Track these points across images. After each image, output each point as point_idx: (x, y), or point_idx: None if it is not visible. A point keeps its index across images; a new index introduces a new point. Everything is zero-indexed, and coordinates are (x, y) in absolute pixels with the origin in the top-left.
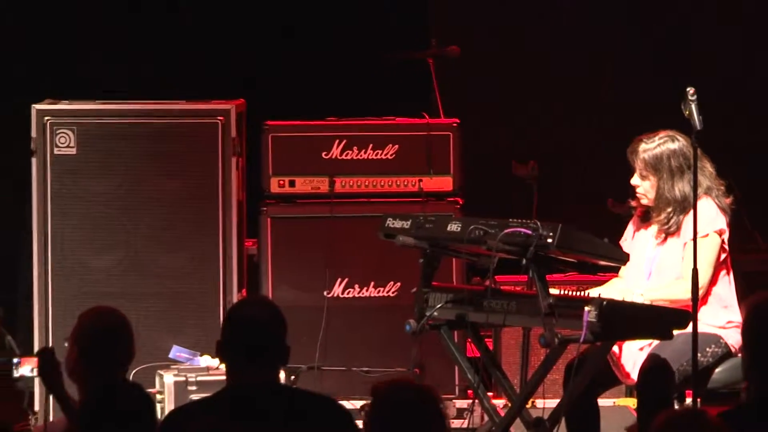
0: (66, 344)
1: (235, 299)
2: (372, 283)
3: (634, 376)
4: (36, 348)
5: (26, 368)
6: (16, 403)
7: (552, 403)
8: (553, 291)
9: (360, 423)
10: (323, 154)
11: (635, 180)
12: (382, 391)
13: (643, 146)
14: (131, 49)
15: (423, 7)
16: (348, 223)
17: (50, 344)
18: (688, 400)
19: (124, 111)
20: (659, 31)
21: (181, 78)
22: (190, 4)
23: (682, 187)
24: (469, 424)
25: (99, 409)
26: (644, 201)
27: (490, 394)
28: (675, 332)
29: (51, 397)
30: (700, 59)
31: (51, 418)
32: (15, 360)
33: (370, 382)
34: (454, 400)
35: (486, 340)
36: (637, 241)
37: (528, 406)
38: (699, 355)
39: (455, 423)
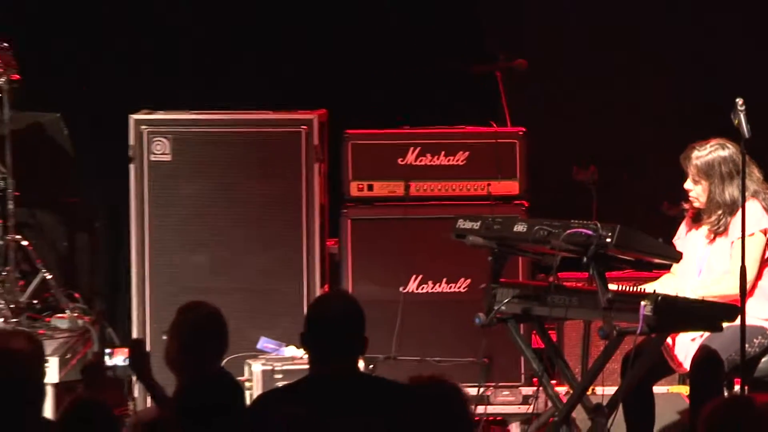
0: (164, 337)
1: (317, 294)
2: (444, 280)
3: (687, 365)
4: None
5: (119, 358)
6: (117, 389)
7: (610, 390)
8: (612, 287)
9: None
10: (399, 160)
11: (688, 184)
12: (417, 382)
13: (695, 153)
14: (222, 61)
15: (478, 20)
16: (422, 224)
17: (147, 336)
18: (736, 388)
19: (215, 120)
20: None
21: (268, 88)
22: (279, 24)
23: (731, 191)
24: (533, 409)
25: (196, 396)
26: (696, 204)
27: (553, 382)
28: (724, 325)
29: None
30: (749, 70)
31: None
32: (108, 350)
33: (442, 371)
34: (520, 388)
35: (550, 332)
36: (688, 240)
37: (588, 393)
38: (746, 345)
39: (521, 408)
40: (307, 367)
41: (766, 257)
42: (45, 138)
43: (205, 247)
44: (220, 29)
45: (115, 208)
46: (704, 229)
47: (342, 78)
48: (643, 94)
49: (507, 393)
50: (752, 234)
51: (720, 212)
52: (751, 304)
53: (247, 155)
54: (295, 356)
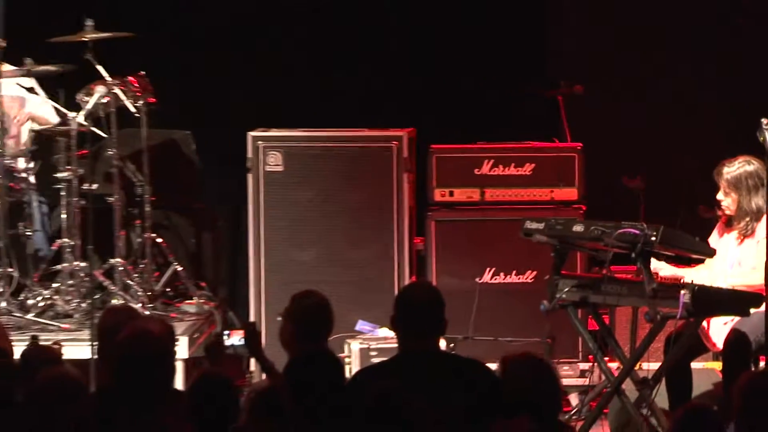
0: (279, 319)
1: (406, 284)
2: (514, 272)
3: (720, 345)
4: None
5: (235, 338)
6: (236, 364)
7: (654, 366)
8: (659, 269)
9: None
10: (476, 170)
11: (720, 195)
12: (510, 358)
13: (725, 169)
14: (325, 84)
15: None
16: (495, 224)
17: (261, 320)
18: (762, 364)
19: (320, 137)
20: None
21: (365, 108)
22: (376, 55)
23: (757, 201)
24: (589, 381)
25: (304, 370)
26: (728, 212)
27: (606, 358)
28: (751, 311)
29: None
30: None
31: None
32: (226, 332)
33: (510, 349)
34: (578, 363)
35: (603, 316)
36: (721, 241)
37: (636, 368)
38: None
39: (579, 381)
40: (396, 345)
41: None
42: (177, 152)
43: (311, 244)
44: (324, 58)
45: (236, 211)
46: (735, 233)
47: (427, 100)
48: (682, 114)
49: (567, 368)
50: None
51: (748, 219)
52: None
53: (347, 166)
54: (387, 336)
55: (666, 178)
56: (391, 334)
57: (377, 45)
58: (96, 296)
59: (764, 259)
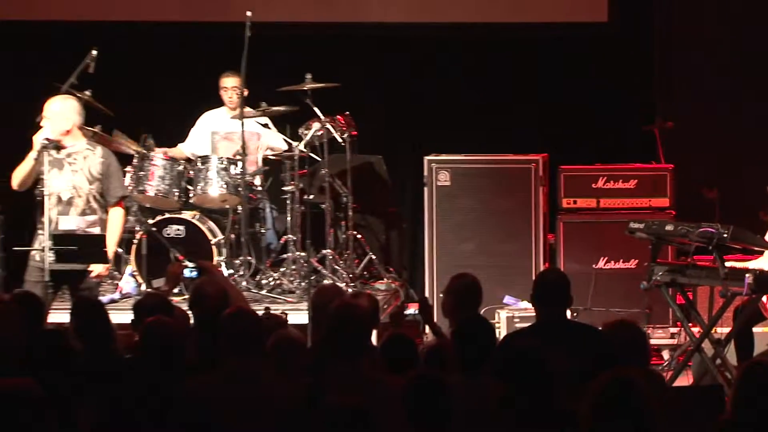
0: (441, 295)
1: (541, 269)
2: (621, 260)
3: None
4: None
5: (413, 309)
6: (414, 328)
7: (726, 330)
8: (728, 264)
9: None
10: (593, 184)
11: None
12: (609, 324)
13: None
14: (480, 118)
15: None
16: (607, 225)
17: (433, 295)
18: None
19: (478, 160)
20: None
21: (509, 135)
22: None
23: None
24: (677, 342)
25: (465, 333)
26: None
27: (690, 324)
28: None
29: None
30: None
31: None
32: (406, 304)
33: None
34: (668, 328)
35: (688, 293)
36: None
37: (712, 332)
38: None
39: (669, 341)
40: (534, 315)
41: None
42: (372, 171)
43: (470, 239)
44: (489, 95)
45: (416, 214)
46: None
47: (558, 132)
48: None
49: (660, 332)
50: None
51: None
52: None
53: (498, 182)
54: (527, 308)
55: (739, 188)
56: (530, 306)
57: (528, 95)
58: (311, 277)
59: None
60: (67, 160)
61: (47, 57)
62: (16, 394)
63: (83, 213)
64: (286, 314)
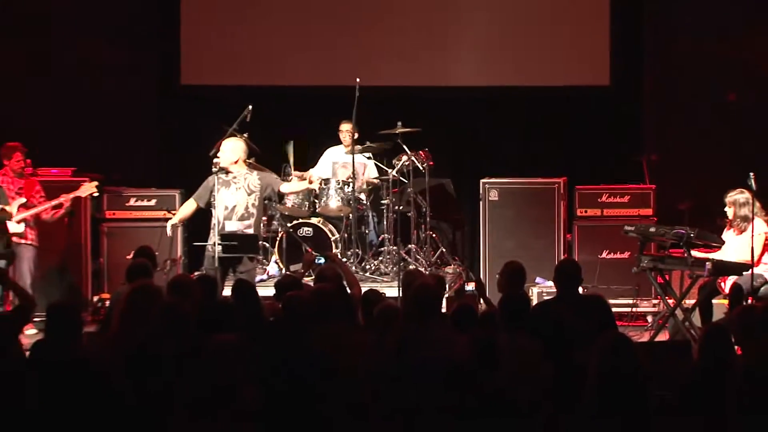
0: (497, 276)
1: (561, 258)
2: (618, 252)
3: (727, 290)
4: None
5: (471, 286)
6: (473, 301)
7: (692, 301)
8: (694, 254)
9: None
10: (598, 199)
11: (727, 209)
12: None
13: (729, 196)
14: (519, 154)
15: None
16: (609, 228)
17: (486, 277)
18: (749, 301)
19: (518, 182)
20: None
21: (540, 164)
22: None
23: (746, 213)
24: (658, 310)
25: (510, 304)
26: (730, 218)
27: (667, 297)
28: (744, 273)
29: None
30: None
31: None
32: (467, 283)
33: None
34: (651, 300)
35: (666, 275)
36: (727, 235)
37: (683, 303)
38: (755, 282)
39: (652, 309)
40: (556, 290)
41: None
42: (444, 190)
43: (511, 237)
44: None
45: (474, 220)
46: (732, 231)
47: (573, 161)
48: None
49: (646, 302)
50: (759, 234)
51: (740, 222)
52: (760, 268)
53: (531, 197)
54: (551, 286)
55: (703, 203)
56: (553, 284)
57: (553, 136)
58: (400, 264)
59: (749, 246)
60: (233, 181)
61: (221, 110)
62: (229, 343)
63: (242, 218)
64: (383, 292)
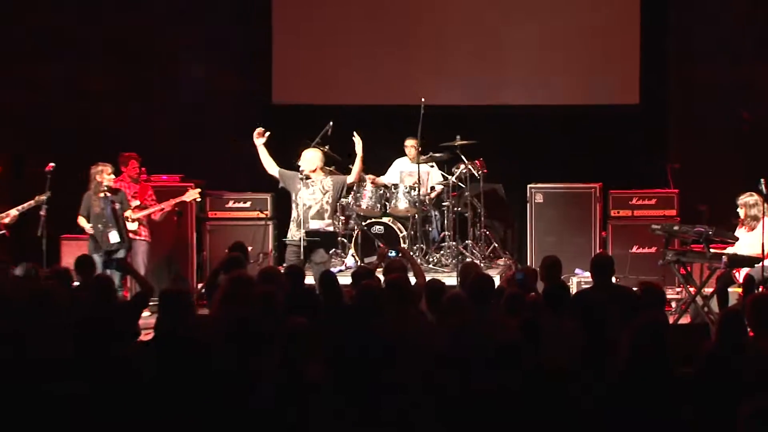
0: (537, 268)
1: (596, 252)
2: (646, 247)
3: (741, 280)
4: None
5: (520, 275)
6: (522, 288)
7: (710, 290)
8: (712, 250)
9: None
10: (629, 201)
11: (739, 210)
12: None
13: (741, 198)
14: (561, 162)
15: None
16: (638, 226)
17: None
18: (761, 290)
19: (560, 186)
20: None
21: (579, 171)
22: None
23: (756, 213)
24: (681, 296)
25: (554, 292)
26: (741, 217)
27: (689, 286)
28: (756, 265)
29: None
30: None
31: None
32: (517, 273)
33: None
34: (675, 288)
35: (688, 267)
36: (740, 232)
37: (703, 291)
38: (766, 274)
39: (676, 296)
40: (592, 280)
41: None
42: (496, 193)
43: (554, 233)
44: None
45: (522, 220)
46: (744, 228)
47: (606, 168)
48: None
49: (670, 290)
50: None
51: (751, 221)
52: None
53: (571, 200)
54: (588, 276)
55: (720, 206)
56: (590, 275)
57: (590, 146)
58: (458, 257)
59: (760, 241)
60: (311, 184)
61: (304, 126)
62: (300, 324)
63: (318, 216)
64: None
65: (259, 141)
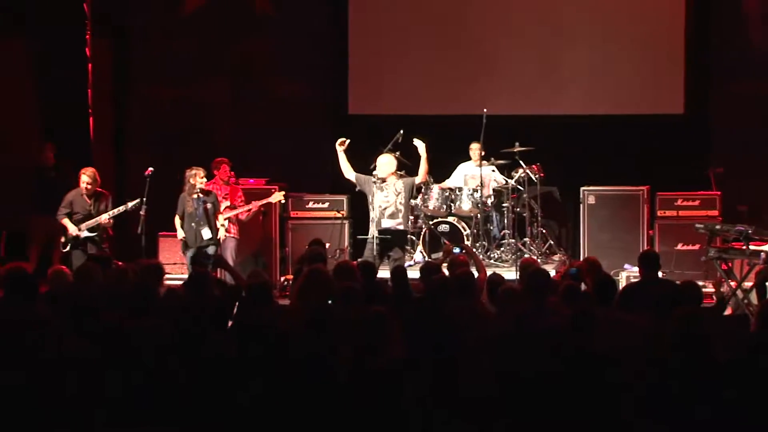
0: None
1: (643, 249)
2: (690, 244)
3: None
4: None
5: (573, 269)
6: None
7: (750, 283)
8: (752, 247)
9: None
10: (675, 203)
11: None
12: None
13: None
14: (613, 166)
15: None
16: (683, 226)
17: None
18: None
19: (611, 189)
20: None
21: (628, 175)
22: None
23: None
24: (725, 289)
25: (604, 286)
26: None
27: (730, 280)
28: None
29: None
30: None
31: None
32: (571, 267)
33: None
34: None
35: (729, 263)
36: None
37: (743, 285)
38: None
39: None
40: (639, 275)
41: None
42: (552, 196)
43: (607, 231)
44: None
45: (576, 219)
46: None
47: (656, 173)
48: None
49: (707, 285)
50: None
51: None
52: None
53: (622, 201)
54: (637, 271)
55: (758, 206)
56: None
57: (639, 152)
58: (517, 253)
59: None
60: (385, 187)
61: (376, 134)
62: (380, 315)
63: (393, 216)
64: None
65: (340, 149)
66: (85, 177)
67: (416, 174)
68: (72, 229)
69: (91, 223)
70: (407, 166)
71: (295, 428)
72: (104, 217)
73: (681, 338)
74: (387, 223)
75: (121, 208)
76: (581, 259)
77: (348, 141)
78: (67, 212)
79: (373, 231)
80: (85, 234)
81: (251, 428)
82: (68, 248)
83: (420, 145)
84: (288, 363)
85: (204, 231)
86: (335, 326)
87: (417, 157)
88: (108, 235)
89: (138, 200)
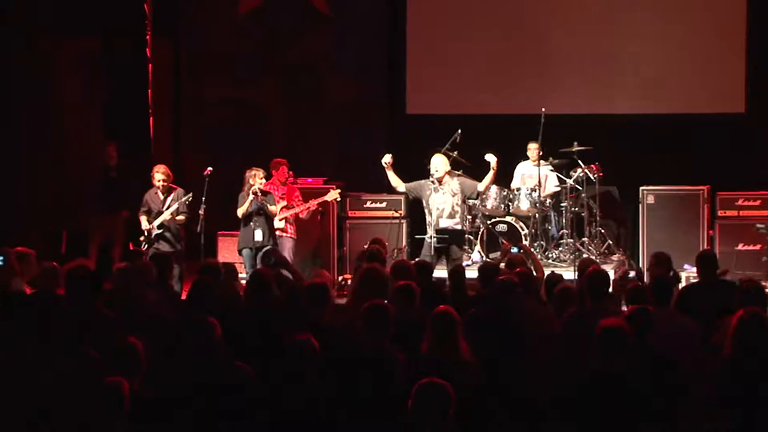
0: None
1: (701, 249)
2: (751, 244)
3: None
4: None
5: (631, 273)
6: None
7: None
8: None
9: None
10: (735, 203)
11: None
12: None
13: None
14: (671, 166)
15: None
16: (744, 226)
17: (644, 264)
18: None
19: (670, 189)
20: None
21: (689, 174)
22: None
23: None
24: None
25: (661, 284)
26: None
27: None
28: None
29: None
30: None
31: None
32: (629, 269)
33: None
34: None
35: None
36: None
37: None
38: None
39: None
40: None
41: None
42: (611, 196)
43: (665, 232)
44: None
45: (636, 219)
46: None
47: (716, 174)
48: None
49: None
50: None
51: None
52: None
53: (682, 201)
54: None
55: None
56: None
57: (698, 151)
58: (576, 253)
59: None
60: (441, 188)
61: (434, 134)
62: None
63: (450, 216)
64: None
65: (387, 167)
66: (159, 174)
67: (477, 179)
68: (144, 225)
69: (158, 220)
70: (465, 166)
71: (351, 428)
72: (166, 214)
73: (744, 340)
74: (445, 223)
75: (176, 206)
76: (640, 259)
77: (392, 159)
78: (145, 210)
79: (430, 232)
80: (155, 231)
81: (309, 428)
82: (145, 246)
83: (492, 159)
84: (344, 362)
85: (257, 232)
86: (392, 325)
87: (475, 157)
88: (180, 233)
89: (190, 194)
